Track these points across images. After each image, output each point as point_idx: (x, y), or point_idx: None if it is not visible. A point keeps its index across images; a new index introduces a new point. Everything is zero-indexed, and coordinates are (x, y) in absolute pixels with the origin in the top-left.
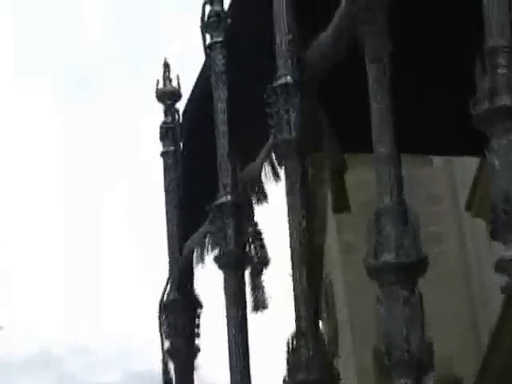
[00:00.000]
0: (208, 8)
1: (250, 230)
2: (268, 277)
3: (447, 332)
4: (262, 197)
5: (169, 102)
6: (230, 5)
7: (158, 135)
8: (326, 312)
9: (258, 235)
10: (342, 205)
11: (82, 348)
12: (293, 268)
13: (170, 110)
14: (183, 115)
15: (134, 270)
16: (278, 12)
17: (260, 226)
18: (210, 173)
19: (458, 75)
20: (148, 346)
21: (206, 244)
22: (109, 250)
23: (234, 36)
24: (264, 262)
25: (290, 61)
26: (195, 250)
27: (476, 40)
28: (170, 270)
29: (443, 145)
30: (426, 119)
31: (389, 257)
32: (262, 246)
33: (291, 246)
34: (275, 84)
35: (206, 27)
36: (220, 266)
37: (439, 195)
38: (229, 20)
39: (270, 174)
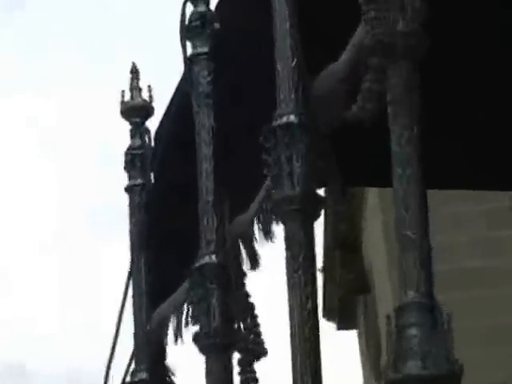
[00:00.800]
0: (190, 8)
1: (240, 302)
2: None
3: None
4: (255, 260)
5: (137, 120)
6: (218, 4)
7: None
8: (363, 317)
9: (249, 311)
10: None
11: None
12: (293, 365)
13: (138, 130)
14: (156, 138)
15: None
16: (280, 29)
17: (253, 298)
18: (189, 220)
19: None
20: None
21: (183, 316)
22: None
23: (223, 46)
24: (257, 352)
25: (293, 94)
26: (168, 322)
27: None
28: (136, 343)
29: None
30: (454, 155)
31: (413, 367)
32: (256, 328)
33: (291, 333)
34: (274, 124)
35: (186, 33)
36: (201, 349)
37: None
38: (216, 25)
39: (265, 232)
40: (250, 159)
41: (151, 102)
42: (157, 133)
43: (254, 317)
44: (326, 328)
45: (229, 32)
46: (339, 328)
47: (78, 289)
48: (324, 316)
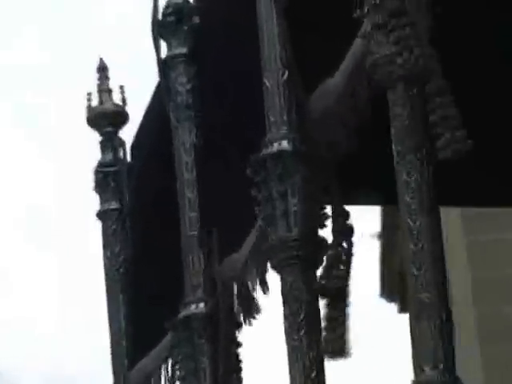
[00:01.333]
0: None
1: (231, 360)
2: None
3: None
4: (252, 308)
5: (108, 130)
6: None
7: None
8: None
9: (236, 373)
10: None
11: None
12: None
13: (109, 142)
14: (132, 151)
15: None
16: (267, 36)
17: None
18: (174, 255)
19: None
20: None
21: (166, 376)
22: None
23: (205, 46)
24: None
25: (285, 115)
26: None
27: None
28: None
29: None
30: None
31: None
32: None
33: None
34: (264, 152)
35: (159, 30)
36: None
37: None
38: (195, 19)
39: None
40: (242, 184)
41: (124, 106)
42: (133, 145)
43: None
44: (386, 310)
45: (211, 28)
46: (401, 310)
47: (78, 288)
48: (383, 296)
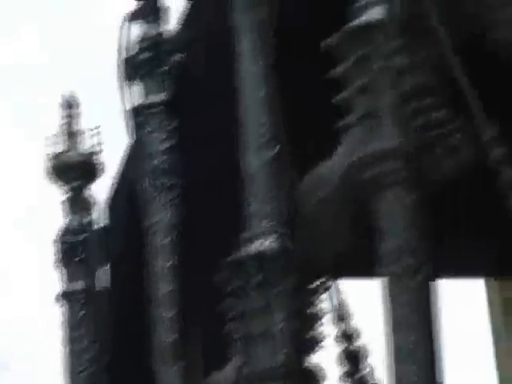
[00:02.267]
0: (132, 28)
1: None
2: None
3: None
4: None
5: (75, 184)
6: (184, 22)
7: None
8: None
9: None
10: None
11: None
12: None
13: (75, 201)
14: (109, 215)
15: None
16: (250, 93)
17: None
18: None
19: None
20: None
21: None
22: None
23: (192, 91)
24: None
25: (270, 204)
26: None
27: None
28: None
29: None
30: None
31: None
32: None
33: None
34: (243, 253)
35: (126, 68)
36: None
37: None
38: (178, 56)
39: None
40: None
41: (98, 153)
42: (110, 207)
43: None
44: None
45: (200, 67)
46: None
47: None
48: None
